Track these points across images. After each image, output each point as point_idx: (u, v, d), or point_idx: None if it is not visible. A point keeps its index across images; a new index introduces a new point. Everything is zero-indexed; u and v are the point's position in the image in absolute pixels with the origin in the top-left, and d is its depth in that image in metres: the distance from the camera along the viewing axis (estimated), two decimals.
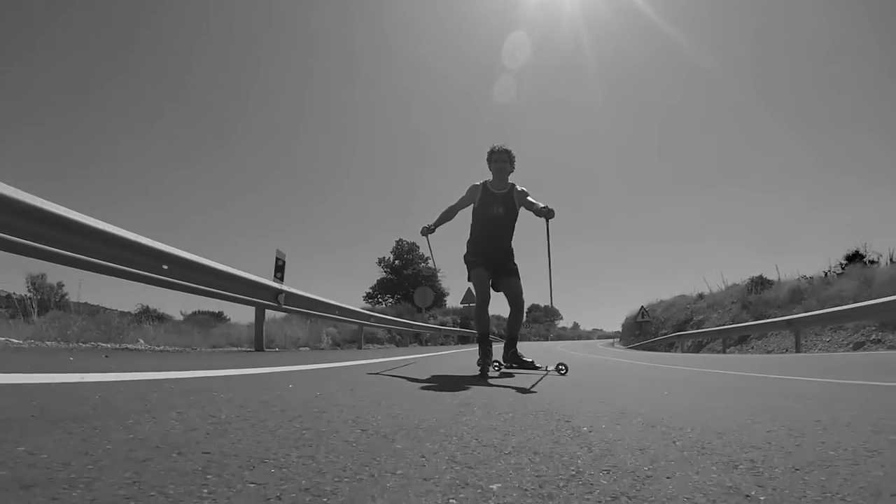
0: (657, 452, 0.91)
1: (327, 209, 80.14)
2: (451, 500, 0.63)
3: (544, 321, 73.94)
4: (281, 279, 5.21)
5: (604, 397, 1.83)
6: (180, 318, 16.91)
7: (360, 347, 9.09)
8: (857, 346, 9.54)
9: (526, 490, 0.68)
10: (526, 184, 3.63)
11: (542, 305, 76.43)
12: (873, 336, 9.56)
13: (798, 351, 10.08)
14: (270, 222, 74.29)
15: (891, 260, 14.12)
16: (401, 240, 41.14)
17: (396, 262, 40.73)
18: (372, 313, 9.87)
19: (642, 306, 25.24)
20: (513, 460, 0.84)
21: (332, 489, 0.65)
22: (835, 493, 0.65)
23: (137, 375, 1.85)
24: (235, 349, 6.03)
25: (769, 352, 12.08)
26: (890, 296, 8.01)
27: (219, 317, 23.85)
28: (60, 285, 26.34)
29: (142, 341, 6.60)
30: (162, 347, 5.35)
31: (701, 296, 21.37)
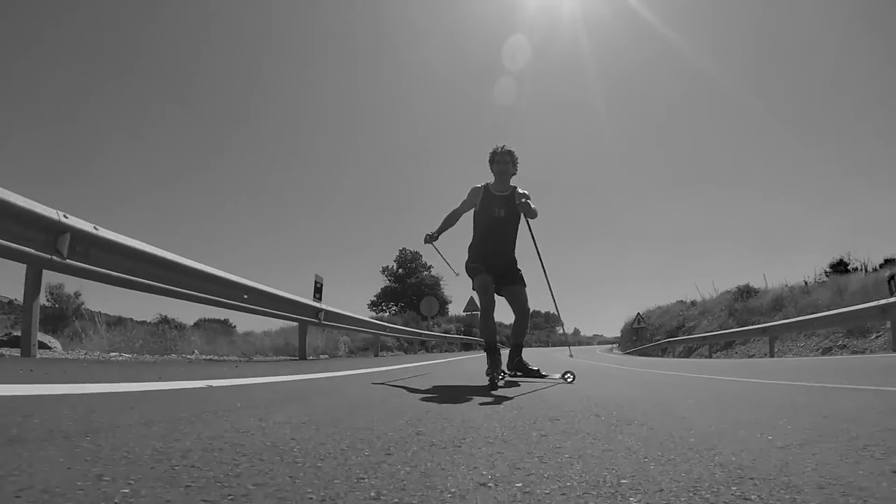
0: (575, 401, 1.97)
1: (327, 214, 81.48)
2: (490, 416, 1.69)
3: (545, 327, 74.74)
4: (319, 299, 6.29)
5: (572, 388, 2.90)
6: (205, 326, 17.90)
7: (376, 355, 10.14)
8: (826, 352, 10.55)
9: (514, 416, 1.74)
10: (527, 186, 3.60)
11: (543, 312, 77.47)
12: (840, 342, 10.57)
13: (772, 356, 11.12)
14: (270, 225, 75.56)
15: (865, 270, 15.19)
16: (404, 249, 42.29)
17: (400, 270, 41.85)
18: (387, 324, 10.96)
19: (638, 313, 26.23)
20: (507, 407, 1.91)
21: (450, 415, 1.72)
22: (645, 419, 1.71)
23: (294, 377, 2.95)
24: (279, 358, 7.07)
25: (751, 356, 13.07)
26: (858, 304, 9.06)
27: (224, 324, 24.84)
28: (77, 294, 27.17)
29: (196, 352, 7.66)
30: (226, 357, 6.41)
31: (693, 303, 22.40)
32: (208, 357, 6.44)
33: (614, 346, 36.26)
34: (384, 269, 42.41)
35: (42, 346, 3.84)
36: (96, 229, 3.13)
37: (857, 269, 15.82)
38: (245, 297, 4.42)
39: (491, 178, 3.60)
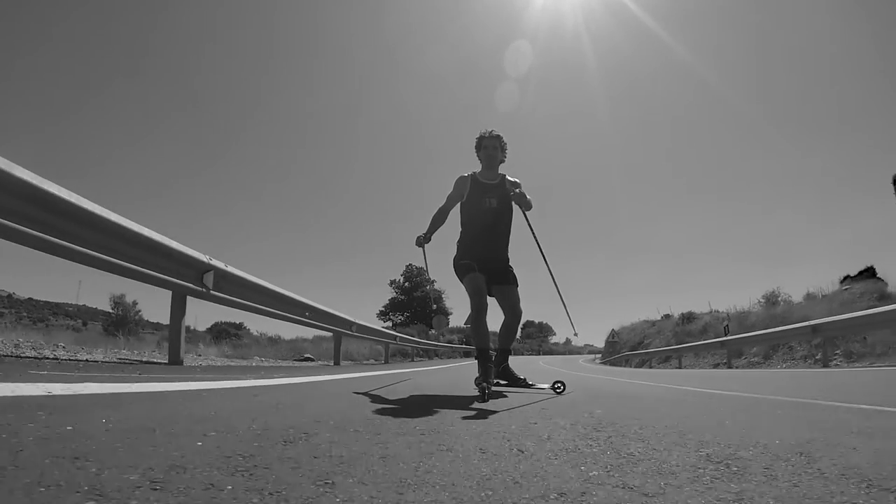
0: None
1: (332, 220, 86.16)
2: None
3: (537, 336, 79.48)
4: (395, 330, 11.09)
5: None
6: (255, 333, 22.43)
7: (412, 360, 14.96)
8: (715, 366, 15.38)
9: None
10: (527, 191, 3.29)
11: (537, 322, 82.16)
12: (724, 361, 15.42)
13: (680, 368, 15.98)
14: (273, 228, 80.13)
15: (773, 302, 20.01)
16: (410, 264, 46.90)
17: (406, 283, 46.53)
18: (419, 340, 15.85)
19: (613, 329, 31.11)
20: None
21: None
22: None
23: (415, 369, 7.73)
24: (373, 362, 11.89)
25: (677, 367, 17.91)
26: (754, 331, 13.90)
27: (239, 327, 29.16)
28: (135, 303, 31.67)
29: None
30: (321, 363, 11.18)
31: (653, 323, 27.35)
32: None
33: (597, 356, 39.75)
34: (392, 283, 47.10)
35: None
36: (226, 267, 4.05)
37: (786, 300, 20.60)
38: (352, 328, 9.13)
39: (478, 167, 3.42)
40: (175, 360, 3.49)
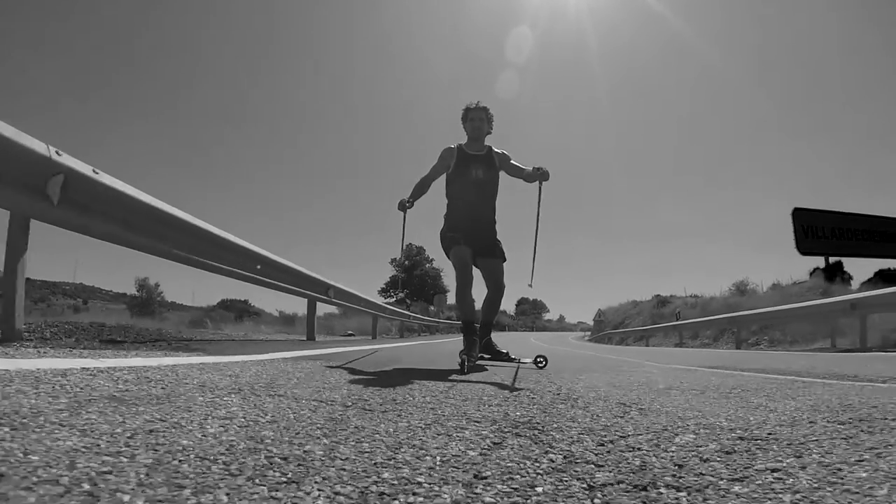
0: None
1: (337, 201, 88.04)
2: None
3: (531, 314, 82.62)
4: (408, 308, 13.69)
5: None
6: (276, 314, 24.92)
7: (419, 335, 17.68)
8: (677, 345, 18.18)
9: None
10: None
11: (531, 299, 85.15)
12: (685, 340, 18.22)
13: (647, 346, 18.80)
14: (274, 207, 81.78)
15: (742, 291, 22.72)
16: (410, 244, 49.52)
17: (406, 262, 49.20)
18: (425, 318, 18.57)
19: (599, 308, 33.87)
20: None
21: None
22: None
23: (423, 342, 10.38)
24: (387, 335, 14.59)
25: (647, 345, 20.73)
26: (709, 316, 16.63)
27: (246, 303, 31.28)
28: (157, 285, 33.73)
29: (350, 332, 14.96)
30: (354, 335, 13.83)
31: (636, 304, 30.18)
32: (363, 336, 13.76)
33: (587, 333, 40.23)
34: (393, 261, 49.76)
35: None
36: (337, 283, 6.10)
37: (753, 290, 23.22)
38: (385, 311, 11.73)
39: (464, 138, 3.39)
40: (311, 337, 5.99)
